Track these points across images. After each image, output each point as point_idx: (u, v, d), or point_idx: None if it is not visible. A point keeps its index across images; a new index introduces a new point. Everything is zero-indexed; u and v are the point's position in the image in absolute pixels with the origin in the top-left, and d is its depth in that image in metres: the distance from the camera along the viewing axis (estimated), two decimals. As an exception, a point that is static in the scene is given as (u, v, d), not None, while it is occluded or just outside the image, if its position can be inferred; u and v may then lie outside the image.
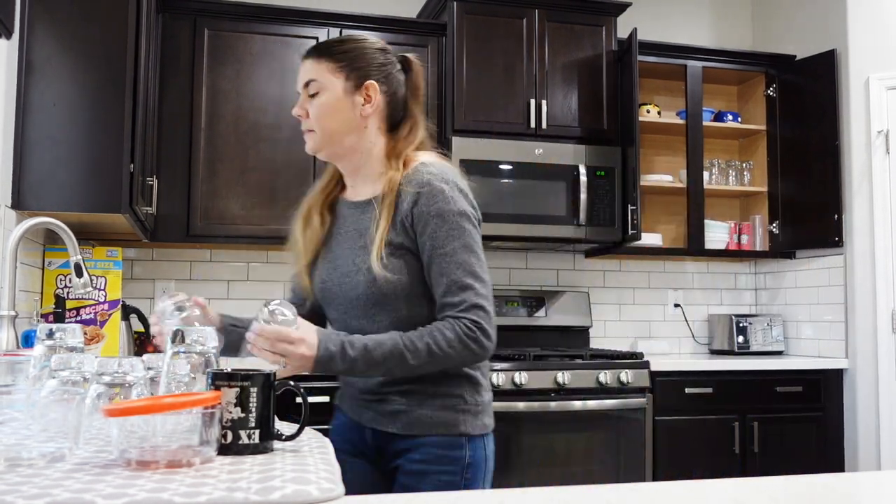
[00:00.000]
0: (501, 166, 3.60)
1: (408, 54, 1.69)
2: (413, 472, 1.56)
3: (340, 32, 3.56)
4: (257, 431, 1.12)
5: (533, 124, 3.66)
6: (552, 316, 3.96)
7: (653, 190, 4.06)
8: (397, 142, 1.63)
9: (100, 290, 2.92)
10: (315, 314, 1.72)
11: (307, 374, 1.48)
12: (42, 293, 2.88)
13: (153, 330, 1.54)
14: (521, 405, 3.26)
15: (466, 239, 1.52)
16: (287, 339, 1.40)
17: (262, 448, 1.12)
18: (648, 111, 4.00)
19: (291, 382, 1.20)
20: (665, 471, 3.41)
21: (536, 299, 3.97)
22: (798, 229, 4.00)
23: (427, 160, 1.60)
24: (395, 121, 1.65)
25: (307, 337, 1.43)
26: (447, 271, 1.50)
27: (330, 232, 1.69)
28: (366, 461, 1.65)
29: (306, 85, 1.61)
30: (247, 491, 0.87)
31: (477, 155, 3.56)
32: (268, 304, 1.42)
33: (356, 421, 1.68)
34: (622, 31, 3.83)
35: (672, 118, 4.08)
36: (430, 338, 1.48)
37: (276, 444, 1.16)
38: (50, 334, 1.27)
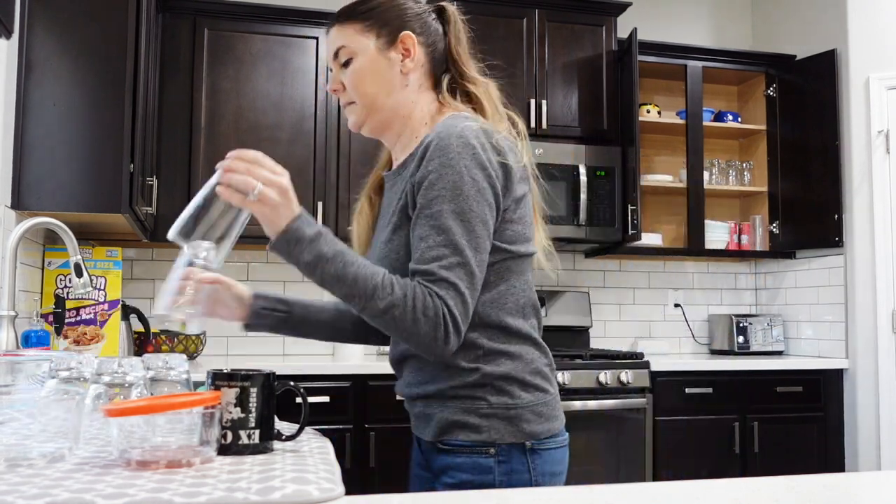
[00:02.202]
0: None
1: (443, 2, 1.52)
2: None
3: (340, 32, 3.55)
4: (257, 431, 1.12)
5: (533, 124, 3.66)
6: (552, 316, 3.96)
7: (653, 190, 4.06)
8: (441, 102, 1.43)
9: (99, 290, 2.92)
10: None
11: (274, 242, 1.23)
12: (42, 293, 2.88)
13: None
14: (521, 405, 3.26)
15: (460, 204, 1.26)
16: (272, 167, 1.22)
17: (261, 448, 1.12)
18: (648, 111, 4.00)
19: (291, 382, 1.19)
20: (665, 471, 3.41)
21: (536, 299, 3.97)
22: (798, 229, 4.00)
23: (456, 114, 1.37)
24: (439, 77, 1.45)
25: (293, 198, 1.24)
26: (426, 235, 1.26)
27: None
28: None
29: (336, 55, 1.42)
30: (247, 491, 0.86)
31: (477, 155, 3.55)
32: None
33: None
34: (622, 31, 3.83)
35: (672, 118, 4.08)
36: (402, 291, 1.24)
37: (276, 445, 1.16)
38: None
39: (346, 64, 1.42)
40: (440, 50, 1.47)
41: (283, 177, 1.23)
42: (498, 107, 1.46)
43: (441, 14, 1.50)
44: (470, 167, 1.28)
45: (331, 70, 1.46)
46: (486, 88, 1.46)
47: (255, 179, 1.20)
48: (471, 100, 1.44)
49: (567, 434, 1.43)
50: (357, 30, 1.41)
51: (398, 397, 1.47)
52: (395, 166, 1.46)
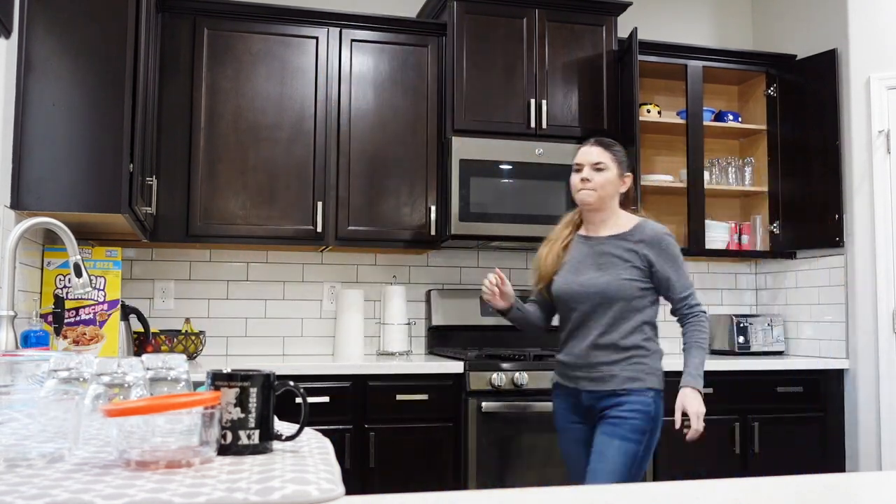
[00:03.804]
0: (501, 166, 3.60)
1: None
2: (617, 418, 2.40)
3: (340, 32, 3.56)
4: (257, 432, 1.12)
5: (533, 124, 3.66)
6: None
7: (653, 190, 4.05)
8: (628, 210, 2.63)
9: (99, 290, 2.92)
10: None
11: None
12: (41, 293, 2.88)
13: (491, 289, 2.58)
14: (521, 405, 3.26)
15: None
16: (698, 412, 2.42)
17: (261, 448, 1.12)
18: (649, 111, 4.00)
19: (291, 383, 1.19)
20: (665, 471, 3.41)
21: (536, 299, 3.97)
22: (798, 229, 4.00)
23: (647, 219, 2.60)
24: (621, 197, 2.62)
25: (692, 396, 2.44)
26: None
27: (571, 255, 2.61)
28: (581, 422, 2.52)
29: (596, 163, 2.54)
30: (246, 491, 0.86)
31: (477, 155, 3.56)
32: None
33: (573, 387, 2.52)
34: (622, 31, 3.83)
35: (672, 118, 4.08)
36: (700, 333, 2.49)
37: (276, 445, 1.16)
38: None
39: (598, 170, 2.53)
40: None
41: (699, 418, 2.44)
42: None
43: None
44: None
45: (579, 165, 2.56)
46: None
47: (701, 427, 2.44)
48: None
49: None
50: (611, 158, 2.55)
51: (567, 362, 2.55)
52: (596, 235, 2.57)
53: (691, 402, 2.41)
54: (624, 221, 2.57)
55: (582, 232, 2.63)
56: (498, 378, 3.23)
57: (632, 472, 2.39)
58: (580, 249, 2.59)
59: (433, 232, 3.59)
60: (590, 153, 2.56)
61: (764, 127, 4.17)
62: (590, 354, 2.48)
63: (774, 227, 4.10)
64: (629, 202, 2.66)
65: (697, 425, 2.40)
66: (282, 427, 1.21)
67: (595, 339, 2.48)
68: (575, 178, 2.56)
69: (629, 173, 2.60)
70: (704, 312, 2.52)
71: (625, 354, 2.46)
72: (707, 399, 3.50)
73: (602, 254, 2.53)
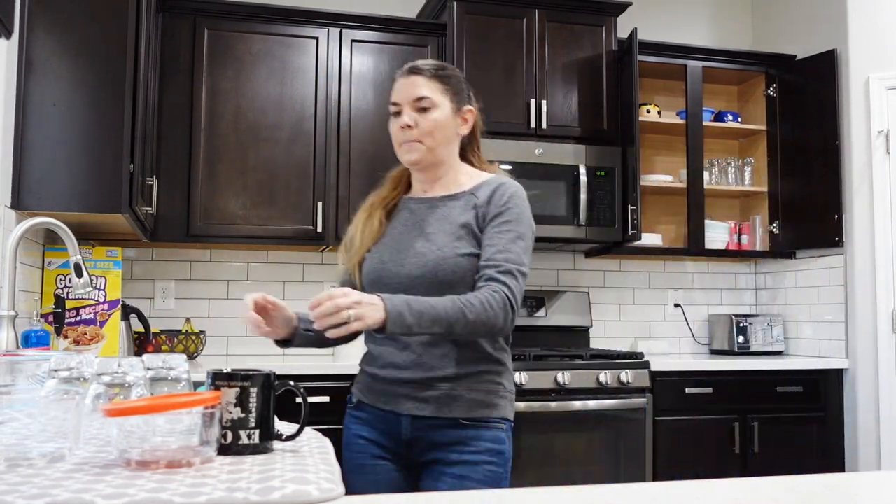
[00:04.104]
0: (501, 166, 3.59)
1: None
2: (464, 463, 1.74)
3: (340, 32, 3.56)
4: (257, 431, 1.12)
5: (533, 124, 3.66)
6: (552, 316, 3.96)
7: (653, 190, 4.06)
8: (475, 162, 1.91)
9: (99, 290, 2.92)
10: None
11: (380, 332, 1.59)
12: (42, 293, 2.88)
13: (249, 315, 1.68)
14: (521, 405, 3.25)
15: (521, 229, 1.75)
16: (345, 295, 1.50)
17: (261, 448, 1.12)
18: (648, 111, 4.00)
19: (291, 382, 1.20)
20: (665, 471, 3.41)
21: (536, 299, 3.97)
22: (798, 229, 4.00)
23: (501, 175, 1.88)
24: (463, 144, 1.88)
25: (364, 295, 1.55)
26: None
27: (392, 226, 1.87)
28: (392, 460, 1.79)
29: (417, 100, 1.76)
30: (246, 491, 0.87)
31: (477, 155, 3.56)
32: None
33: (390, 410, 1.76)
34: (622, 31, 3.83)
35: (672, 118, 4.08)
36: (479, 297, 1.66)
37: (276, 445, 1.16)
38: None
39: (423, 110, 1.76)
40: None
41: (349, 296, 1.51)
42: None
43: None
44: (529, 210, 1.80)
45: (396, 105, 1.79)
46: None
47: (343, 313, 1.49)
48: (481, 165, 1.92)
49: None
50: (440, 88, 1.77)
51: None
52: (427, 195, 1.85)
53: (357, 295, 1.53)
54: (467, 178, 1.84)
55: (411, 193, 1.90)
56: (498, 378, 3.23)
57: None
58: (405, 217, 1.84)
59: (433, 232, 3.59)
60: (409, 86, 1.77)
61: (763, 127, 4.17)
62: (421, 365, 1.72)
63: (774, 227, 4.10)
64: (477, 150, 1.90)
65: (337, 302, 1.49)
66: (282, 427, 1.21)
67: (425, 343, 1.72)
68: (394, 126, 1.79)
69: (470, 106, 1.83)
70: (509, 300, 1.68)
71: (472, 368, 1.76)
72: (707, 399, 3.54)
73: (433, 221, 1.79)
